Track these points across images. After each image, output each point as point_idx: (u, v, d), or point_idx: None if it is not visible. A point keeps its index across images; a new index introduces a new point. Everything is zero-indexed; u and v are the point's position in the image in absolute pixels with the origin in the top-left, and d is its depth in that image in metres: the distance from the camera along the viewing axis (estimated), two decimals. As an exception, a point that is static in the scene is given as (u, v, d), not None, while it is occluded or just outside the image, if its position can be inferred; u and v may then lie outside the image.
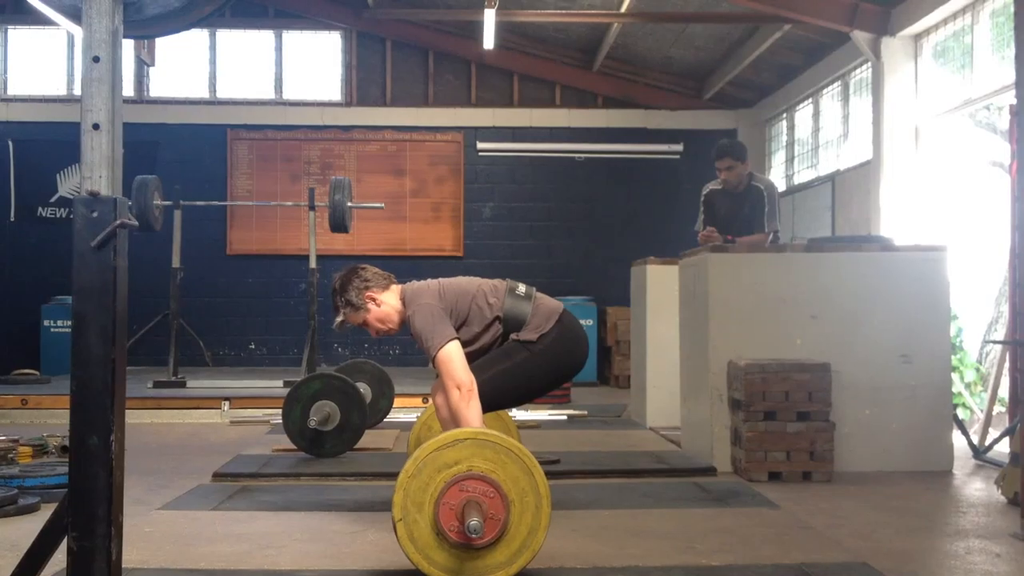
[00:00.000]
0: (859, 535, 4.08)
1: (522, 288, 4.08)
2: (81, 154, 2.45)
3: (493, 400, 3.95)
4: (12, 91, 13.16)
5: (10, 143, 12.86)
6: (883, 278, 5.72)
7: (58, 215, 12.83)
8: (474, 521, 3.11)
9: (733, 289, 5.70)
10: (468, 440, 3.29)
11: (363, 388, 6.65)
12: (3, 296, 12.57)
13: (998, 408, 6.84)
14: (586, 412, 8.34)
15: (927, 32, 9.01)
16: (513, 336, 4.02)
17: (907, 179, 9.13)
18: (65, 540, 2.45)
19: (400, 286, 4.15)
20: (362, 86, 13.31)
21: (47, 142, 12.57)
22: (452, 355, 3.83)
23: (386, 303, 4.12)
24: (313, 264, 9.35)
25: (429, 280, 4.20)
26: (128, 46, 10.06)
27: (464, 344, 3.95)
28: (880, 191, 9.25)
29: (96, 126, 2.45)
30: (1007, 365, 6.41)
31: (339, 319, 4.22)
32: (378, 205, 9.98)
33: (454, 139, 13.16)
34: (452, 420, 3.83)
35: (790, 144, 12.45)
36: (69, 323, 8.80)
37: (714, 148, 7.06)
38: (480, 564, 3.25)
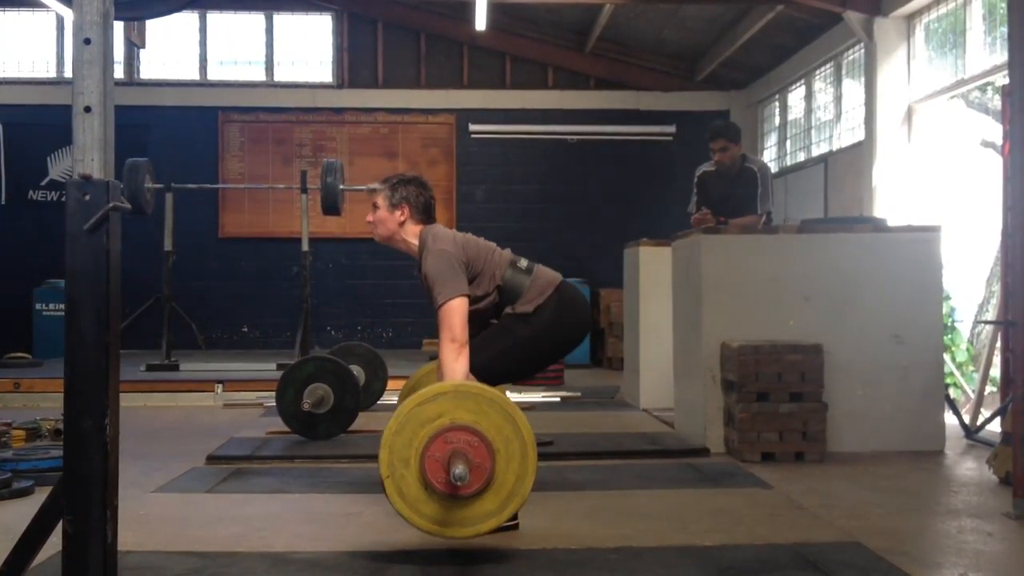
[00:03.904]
0: (851, 515, 4.10)
1: (524, 262, 4.03)
2: (73, 137, 2.44)
3: (499, 377, 3.91)
4: (1, 74, 13.08)
5: (0, 126, 12.80)
6: (876, 259, 5.73)
7: (49, 198, 12.78)
8: (459, 469, 3.12)
9: (726, 270, 5.70)
10: (449, 393, 3.30)
11: (356, 371, 6.65)
12: (-6, 280, 12.53)
13: (989, 388, 6.87)
14: (579, 394, 8.36)
15: (920, 13, 8.99)
16: (508, 309, 3.97)
17: (899, 160, 9.14)
18: (60, 523, 2.46)
19: (425, 226, 4.07)
20: (354, 68, 13.26)
21: (37, 125, 12.50)
22: (457, 310, 3.77)
23: (405, 225, 4.05)
24: (305, 247, 9.33)
25: (455, 230, 4.15)
26: (118, 28, 10.00)
27: None
28: (873, 172, 9.26)
29: (88, 109, 2.44)
30: (999, 345, 6.43)
31: (375, 187, 4.16)
32: (371, 187, 9.92)
33: (446, 121, 13.13)
34: (440, 372, 3.81)
35: (782, 125, 12.45)
36: (61, 306, 8.74)
37: (708, 129, 7.04)
38: (470, 514, 3.26)
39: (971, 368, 8.29)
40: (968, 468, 5.23)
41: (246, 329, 13.12)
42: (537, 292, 3.96)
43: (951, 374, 7.60)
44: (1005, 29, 7.13)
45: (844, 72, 10.53)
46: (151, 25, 11.28)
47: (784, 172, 11.94)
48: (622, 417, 7.08)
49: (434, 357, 3.93)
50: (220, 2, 13.06)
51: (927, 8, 8.86)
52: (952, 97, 8.96)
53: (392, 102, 13.15)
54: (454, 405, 3.26)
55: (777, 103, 12.58)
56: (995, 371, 6.62)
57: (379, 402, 7.08)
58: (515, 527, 3.74)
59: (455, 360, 3.71)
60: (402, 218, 4.06)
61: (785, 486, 4.65)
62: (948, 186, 9.09)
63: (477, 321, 3.97)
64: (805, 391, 5.31)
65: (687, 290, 6.07)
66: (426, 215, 4.09)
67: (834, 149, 10.67)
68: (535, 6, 12.24)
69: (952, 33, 8.57)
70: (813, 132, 11.46)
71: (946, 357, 6.94)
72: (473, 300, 3.88)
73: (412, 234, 4.07)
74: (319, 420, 5.85)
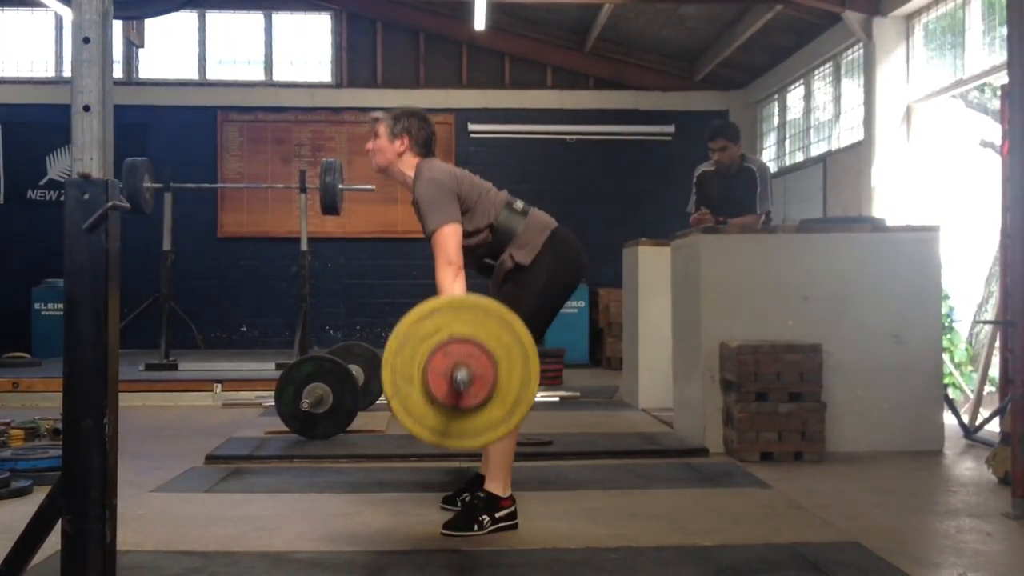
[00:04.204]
0: (850, 515, 4.10)
1: (520, 204, 4.00)
2: (72, 136, 2.44)
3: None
4: (0, 73, 13.06)
5: (-1, 125, 12.81)
6: (874, 259, 5.73)
7: (48, 197, 12.77)
8: (461, 373, 3.11)
9: (725, 270, 5.70)
10: (445, 307, 3.28)
11: (355, 370, 6.64)
12: (-7, 279, 12.53)
13: (988, 388, 6.87)
14: (578, 394, 8.35)
15: (919, 13, 9.00)
16: (506, 259, 3.93)
17: (898, 160, 9.14)
18: (59, 523, 2.45)
19: (423, 158, 4.04)
20: (353, 68, 13.26)
21: (36, 124, 12.50)
22: (450, 235, 3.75)
23: (404, 157, 4.03)
24: (304, 247, 9.33)
25: (453, 165, 4.11)
26: (117, 27, 9.99)
27: None
28: (872, 172, 9.26)
29: (87, 108, 2.44)
30: (997, 345, 6.43)
31: (378, 116, 4.16)
32: (369, 187, 9.96)
33: (445, 121, 13.11)
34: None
35: (781, 125, 12.45)
36: (60, 306, 8.72)
37: (707, 128, 7.04)
38: (479, 423, 3.24)
39: (970, 368, 8.29)
40: (967, 468, 5.23)
41: (245, 329, 13.12)
42: (532, 235, 3.94)
43: (950, 374, 7.61)
44: (1004, 29, 7.13)
45: (843, 72, 10.54)
46: (150, 24, 11.26)
47: (783, 172, 11.94)
48: (621, 417, 7.08)
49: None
50: (219, 1, 13.06)
51: (926, 8, 8.86)
52: (951, 97, 8.96)
53: (391, 101, 12.98)
54: (451, 318, 3.24)
55: (776, 103, 12.58)
56: (994, 371, 6.62)
57: (378, 402, 7.08)
58: (514, 527, 3.75)
59: (451, 282, 3.68)
60: (401, 149, 4.05)
61: (784, 486, 4.65)
62: (947, 186, 9.10)
63: (468, 258, 3.93)
64: (804, 391, 5.31)
65: (686, 290, 6.07)
66: (425, 148, 4.07)
67: (833, 149, 10.67)
68: (534, 6, 12.24)
69: (951, 33, 8.57)
70: (812, 132, 11.46)
71: (945, 357, 6.94)
72: (465, 235, 3.84)
73: (409, 166, 4.04)
74: (318, 420, 5.84)
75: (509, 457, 3.81)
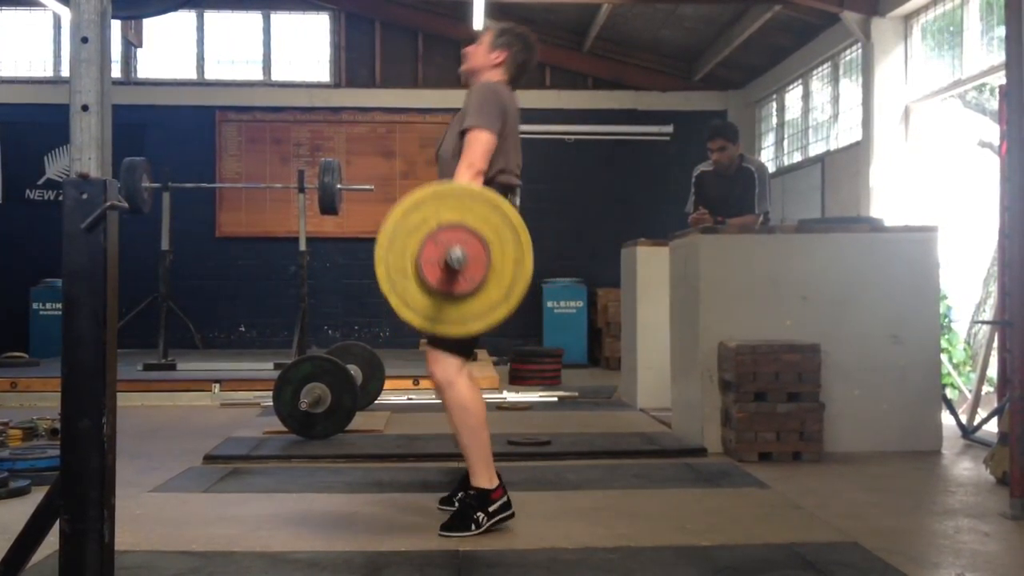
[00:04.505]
0: (849, 515, 4.10)
1: (515, 200, 3.92)
2: (70, 136, 2.44)
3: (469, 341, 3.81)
4: (-2, 72, 13.08)
5: (-3, 125, 12.80)
6: (873, 259, 5.73)
7: (46, 197, 12.76)
8: (456, 251, 3.11)
9: (723, 270, 5.71)
10: (429, 197, 3.28)
11: (354, 370, 6.65)
12: (-9, 279, 12.52)
13: (986, 388, 6.87)
14: (577, 394, 8.36)
15: (917, 13, 9.00)
16: None
17: (897, 160, 9.15)
18: (57, 523, 2.45)
19: (501, 78, 3.97)
20: (351, 67, 13.25)
21: (34, 124, 12.49)
22: (485, 142, 3.70)
23: (492, 70, 3.97)
24: (303, 247, 9.32)
25: None
26: (116, 27, 9.98)
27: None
28: (870, 172, 9.27)
29: (85, 107, 2.44)
30: (995, 345, 6.44)
31: (489, 25, 4.12)
32: (368, 187, 9.96)
33: (444, 121, 13.03)
34: None
35: (780, 125, 12.45)
36: (58, 306, 8.69)
37: (706, 129, 7.06)
38: (478, 307, 3.25)
39: (968, 368, 8.30)
40: (965, 468, 5.23)
41: (243, 328, 13.11)
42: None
43: (948, 374, 7.61)
44: (1002, 29, 7.13)
45: (841, 72, 10.54)
46: (148, 24, 11.26)
47: (781, 172, 11.95)
48: (619, 417, 7.08)
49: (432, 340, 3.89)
50: (218, 1, 13.05)
51: (924, 8, 8.86)
52: (949, 97, 8.97)
53: (389, 101, 13.15)
54: (436, 207, 3.24)
55: (774, 103, 12.59)
56: (992, 371, 6.62)
57: (377, 402, 7.08)
58: (510, 516, 3.75)
59: (467, 183, 3.61)
60: (496, 61, 4.00)
61: (782, 486, 4.66)
62: (945, 186, 9.10)
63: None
64: (802, 391, 5.31)
65: (685, 290, 6.07)
66: (516, 73, 4.04)
67: (831, 149, 10.68)
68: (533, 6, 12.23)
69: (949, 33, 8.58)
70: (810, 132, 11.46)
71: (943, 357, 6.94)
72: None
73: (495, 75, 3.99)
74: (316, 420, 5.84)
75: (484, 447, 3.78)
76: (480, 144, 3.70)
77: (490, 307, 3.24)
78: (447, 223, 3.20)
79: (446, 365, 3.75)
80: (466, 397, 3.75)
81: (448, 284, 3.16)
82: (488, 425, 3.81)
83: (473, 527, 3.69)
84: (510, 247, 3.24)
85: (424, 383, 7.93)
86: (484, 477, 3.76)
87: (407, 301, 3.22)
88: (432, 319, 3.23)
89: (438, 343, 3.71)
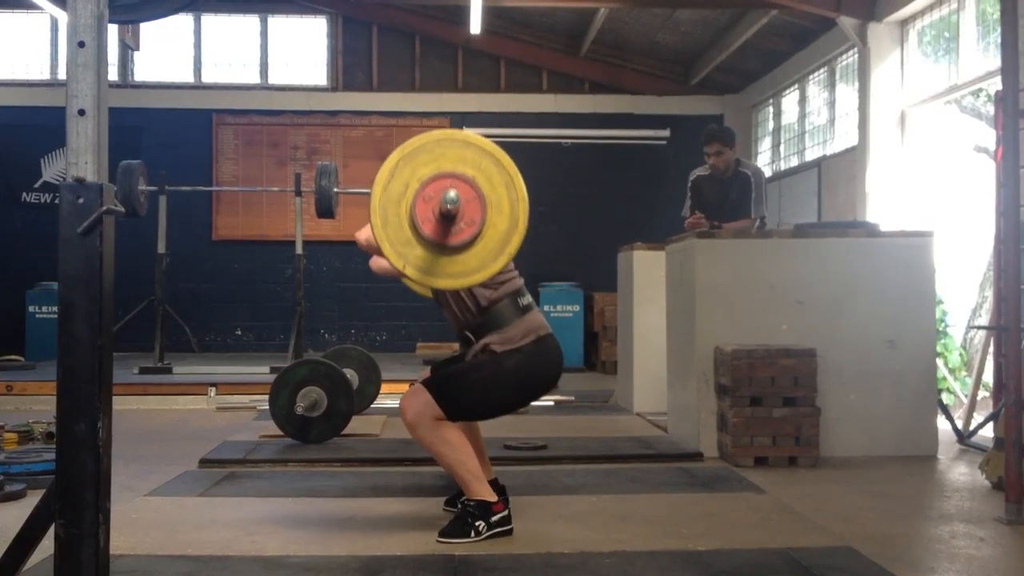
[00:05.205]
0: (844, 519, 4.10)
1: (526, 300, 3.90)
2: (67, 140, 2.44)
3: (463, 413, 3.80)
4: (-5, 76, 13.08)
5: (-7, 128, 12.79)
6: (869, 264, 5.74)
7: (42, 200, 12.76)
8: (450, 193, 3.11)
9: (720, 275, 5.71)
10: (400, 161, 3.27)
11: (350, 374, 6.64)
12: (-13, 282, 12.51)
13: (982, 393, 6.88)
14: (573, 398, 8.36)
15: (913, 18, 9.02)
16: (484, 341, 3.81)
17: (893, 165, 9.16)
18: (52, 527, 2.45)
19: None
20: (348, 71, 13.26)
21: (31, 127, 12.49)
22: None
23: None
24: (299, 250, 9.32)
25: None
26: (113, 30, 9.99)
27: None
28: (866, 177, 9.28)
29: (82, 112, 2.43)
30: (991, 350, 6.44)
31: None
32: (365, 191, 9.81)
33: (440, 124, 13.12)
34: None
35: (776, 130, 12.47)
36: (54, 309, 8.71)
37: (703, 133, 7.06)
38: (490, 244, 3.24)
39: (964, 373, 8.31)
40: (961, 473, 5.23)
41: (239, 332, 13.11)
42: (518, 333, 3.81)
43: (944, 379, 7.62)
44: (998, 35, 7.14)
45: (838, 77, 10.56)
46: (145, 27, 11.28)
47: (778, 176, 11.96)
48: (615, 421, 7.08)
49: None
50: (215, 4, 13.05)
51: (920, 13, 8.88)
52: (945, 102, 8.98)
53: (386, 105, 13.15)
54: (411, 168, 3.23)
55: (771, 107, 12.60)
56: (988, 376, 6.63)
57: (373, 406, 7.08)
58: (509, 531, 3.74)
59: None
60: None
61: (778, 490, 4.66)
62: (941, 191, 9.12)
63: (452, 318, 3.94)
64: (798, 395, 5.31)
65: (681, 294, 6.07)
66: None
67: (828, 154, 10.69)
68: (529, 9, 12.26)
69: (945, 38, 8.60)
70: (807, 136, 11.48)
71: (939, 362, 6.95)
72: (462, 291, 3.80)
73: None
74: (312, 424, 5.84)
75: (467, 470, 3.73)
76: None
77: (502, 237, 3.24)
78: (426, 178, 3.19)
79: (422, 408, 3.69)
80: (429, 442, 3.71)
81: (451, 234, 3.14)
82: (468, 445, 3.77)
83: (472, 534, 3.67)
84: (494, 175, 3.23)
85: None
86: (481, 489, 3.75)
87: (421, 267, 3.20)
88: (447, 274, 3.21)
89: (438, 392, 3.69)
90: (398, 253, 3.18)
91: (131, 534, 3.73)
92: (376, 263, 4.06)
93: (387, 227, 3.20)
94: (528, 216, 3.31)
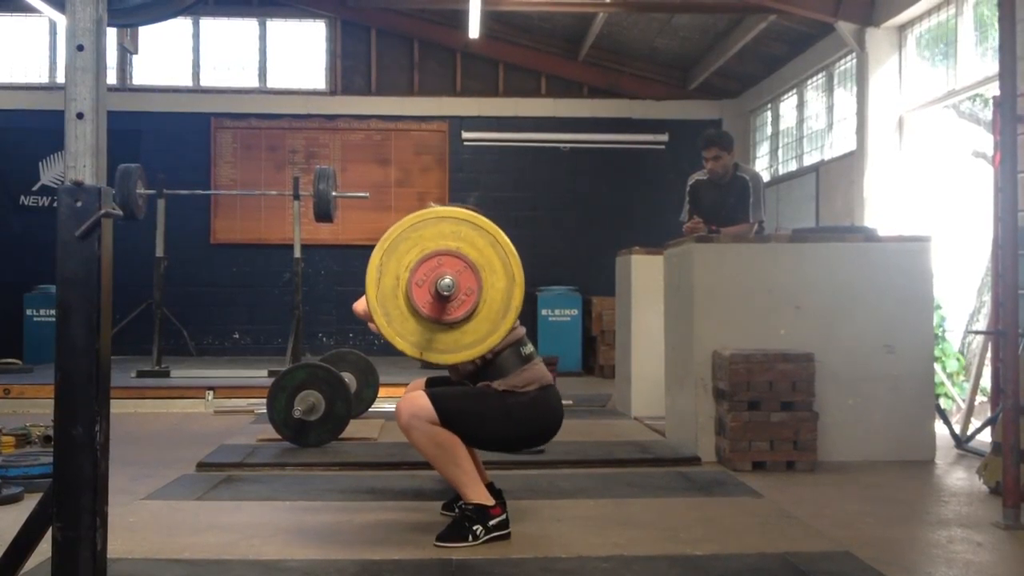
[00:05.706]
0: (842, 524, 4.10)
1: (527, 349, 3.88)
2: (65, 143, 2.44)
3: (456, 425, 3.74)
4: (-7, 79, 13.07)
5: (-9, 131, 12.79)
6: (867, 268, 5.74)
7: (41, 203, 12.75)
8: (445, 279, 3.13)
9: (718, 279, 5.71)
10: (384, 251, 3.34)
11: (348, 378, 6.64)
12: (-15, 285, 12.50)
13: (980, 398, 6.89)
14: (571, 402, 8.34)
15: (911, 23, 9.03)
16: (484, 383, 3.80)
17: (891, 170, 9.17)
18: (49, 530, 2.45)
19: None
20: (347, 75, 13.26)
21: (29, 130, 12.48)
22: None
23: None
24: (297, 253, 9.33)
25: None
26: (111, 34, 9.98)
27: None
28: (864, 182, 9.29)
29: (80, 115, 2.43)
30: (989, 355, 6.45)
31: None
32: (363, 195, 9.95)
33: (439, 128, 13.14)
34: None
35: (775, 135, 12.48)
36: (52, 312, 8.70)
37: (701, 137, 7.07)
38: (493, 308, 3.30)
39: (962, 378, 8.31)
40: (958, 478, 5.24)
41: (237, 335, 13.10)
42: (521, 382, 3.80)
43: (942, 384, 7.62)
44: (996, 39, 7.16)
45: (836, 82, 10.57)
46: (144, 30, 11.28)
47: (776, 181, 11.97)
48: (613, 425, 7.08)
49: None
50: (213, 8, 13.06)
51: (919, 19, 8.90)
52: (943, 107, 8.99)
53: (385, 109, 13.15)
54: (396, 259, 3.29)
55: (769, 112, 12.62)
56: (986, 381, 6.63)
57: (371, 409, 7.07)
58: (507, 536, 3.74)
59: None
60: None
61: (776, 495, 4.66)
62: (939, 196, 9.13)
63: (451, 370, 3.93)
64: (796, 400, 5.31)
65: (679, 298, 6.08)
66: None
67: (826, 158, 10.70)
68: (528, 14, 12.27)
69: (943, 44, 8.61)
70: (805, 141, 11.49)
71: (937, 367, 6.95)
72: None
73: None
74: (310, 427, 5.84)
75: (462, 472, 3.73)
76: None
77: (505, 299, 3.26)
78: (414, 262, 3.23)
79: (418, 411, 3.68)
80: (424, 445, 3.70)
81: (454, 309, 3.17)
82: (463, 448, 3.75)
83: (470, 538, 3.67)
84: (482, 239, 3.27)
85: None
86: (478, 493, 3.75)
87: (440, 349, 3.29)
88: (458, 346, 3.25)
89: (435, 399, 3.68)
90: (413, 344, 3.24)
91: (128, 538, 3.72)
92: (359, 305, 4.03)
93: (392, 322, 3.24)
94: (522, 268, 3.35)
